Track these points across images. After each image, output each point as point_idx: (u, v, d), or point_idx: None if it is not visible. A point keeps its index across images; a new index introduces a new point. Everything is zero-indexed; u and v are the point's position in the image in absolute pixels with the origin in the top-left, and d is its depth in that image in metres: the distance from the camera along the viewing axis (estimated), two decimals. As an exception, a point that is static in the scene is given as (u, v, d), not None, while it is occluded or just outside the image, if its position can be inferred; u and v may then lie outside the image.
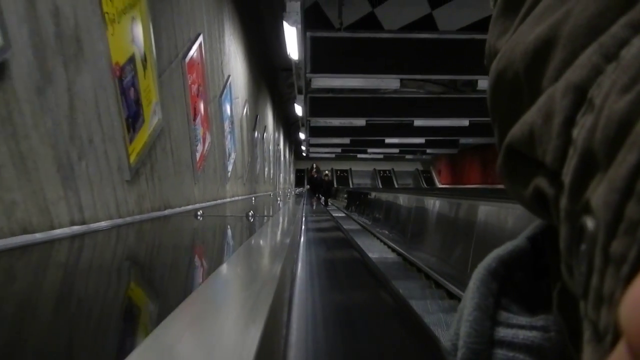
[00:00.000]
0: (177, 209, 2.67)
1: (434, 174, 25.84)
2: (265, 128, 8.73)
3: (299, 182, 24.82)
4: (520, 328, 0.24)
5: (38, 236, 1.28)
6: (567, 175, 0.15)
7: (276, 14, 6.63)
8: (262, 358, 0.43)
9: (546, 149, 0.17)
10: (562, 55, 0.16)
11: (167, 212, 2.47)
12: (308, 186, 14.98)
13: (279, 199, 5.64)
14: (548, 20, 0.18)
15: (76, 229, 1.54)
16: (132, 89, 2.03)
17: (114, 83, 1.84)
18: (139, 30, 2.13)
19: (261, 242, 1.60)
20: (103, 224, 1.73)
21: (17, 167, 1.24)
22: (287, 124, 15.91)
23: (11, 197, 1.22)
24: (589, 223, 0.14)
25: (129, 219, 1.96)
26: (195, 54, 3.20)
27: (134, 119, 2.05)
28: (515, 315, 0.25)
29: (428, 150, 21.02)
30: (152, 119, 2.30)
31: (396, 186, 24.27)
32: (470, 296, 0.26)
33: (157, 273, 1.15)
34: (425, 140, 15.85)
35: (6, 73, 1.20)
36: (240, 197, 5.24)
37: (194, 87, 3.19)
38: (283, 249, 1.24)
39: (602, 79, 0.14)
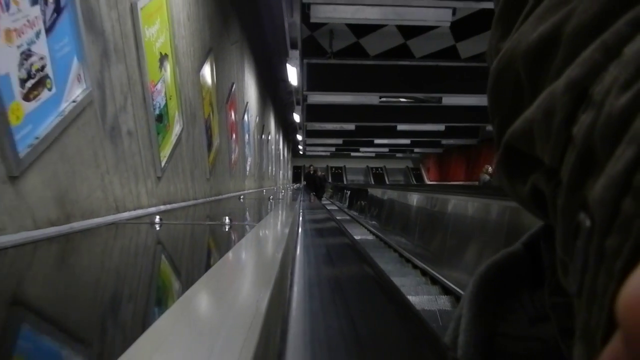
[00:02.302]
0: (225, 196, 4.41)
1: (423, 171, 27.57)
2: (269, 133, 10.45)
3: (296, 179, 26.29)
4: (518, 338, 0.24)
5: (190, 202, 3.03)
6: (565, 172, 0.15)
7: (279, 42, 8.30)
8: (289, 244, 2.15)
9: (545, 146, 0.17)
10: (564, 53, 0.16)
11: (222, 196, 4.21)
12: (305, 182, 16.65)
13: (282, 191, 7.38)
14: (551, 19, 0.18)
15: (192, 202, 3.27)
16: (209, 129, 3.77)
17: (205, 129, 3.58)
18: (211, 97, 3.87)
19: (284, 207, 3.33)
20: (200, 200, 3.46)
21: (182, 173, 2.98)
22: (286, 124, 17.61)
23: (181, 186, 2.95)
24: (585, 219, 0.14)
25: (208, 199, 3.70)
26: (231, 96, 4.93)
27: (209, 145, 3.79)
28: (513, 326, 0.25)
29: (416, 150, 22.78)
30: (215, 143, 4.03)
31: (387, 182, 25.98)
32: (467, 305, 0.26)
33: (240, 213, 2.87)
34: (411, 141, 17.63)
35: (180, 139, 2.93)
36: (253, 190, 6.98)
37: (231, 118, 4.92)
38: (294, 211, 2.96)
39: (603, 76, 0.14)
